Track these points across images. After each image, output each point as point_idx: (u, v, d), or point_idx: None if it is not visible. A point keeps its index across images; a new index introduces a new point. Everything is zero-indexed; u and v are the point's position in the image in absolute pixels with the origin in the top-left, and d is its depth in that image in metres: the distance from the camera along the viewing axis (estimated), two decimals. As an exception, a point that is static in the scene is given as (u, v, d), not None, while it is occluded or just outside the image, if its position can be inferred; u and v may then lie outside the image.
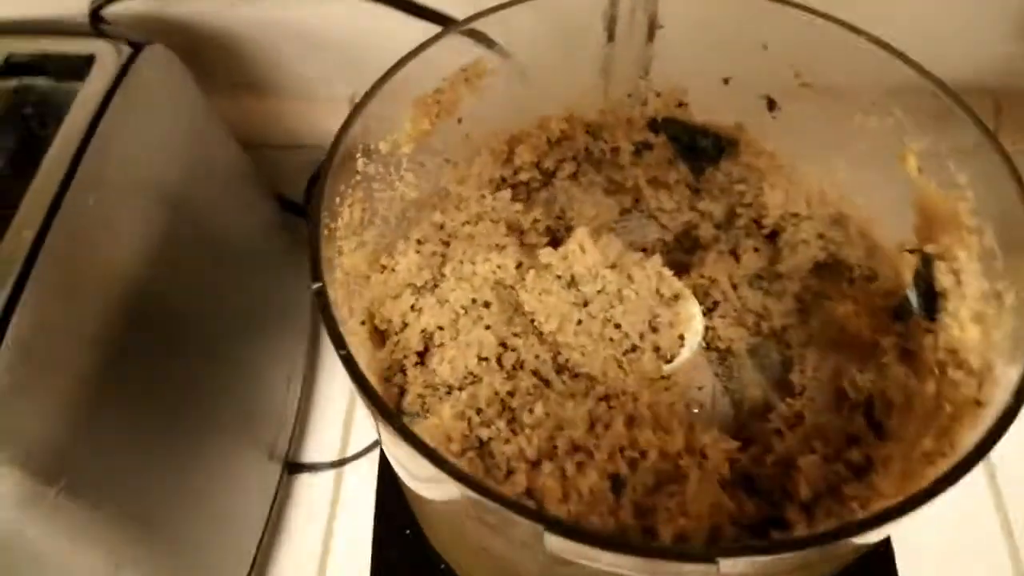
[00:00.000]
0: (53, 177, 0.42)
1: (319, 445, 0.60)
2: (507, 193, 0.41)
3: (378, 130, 0.36)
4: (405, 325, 0.36)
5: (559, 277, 0.35)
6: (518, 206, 0.41)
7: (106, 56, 0.48)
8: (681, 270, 0.48)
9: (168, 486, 0.46)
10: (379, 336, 0.37)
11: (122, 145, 0.46)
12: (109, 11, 0.50)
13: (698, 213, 0.47)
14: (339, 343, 0.27)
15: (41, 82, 0.49)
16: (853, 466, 0.34)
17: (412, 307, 0.36)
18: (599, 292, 0.34)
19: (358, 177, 0.36)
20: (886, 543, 0.50)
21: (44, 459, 0.36)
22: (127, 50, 0.49)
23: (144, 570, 0.44)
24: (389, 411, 0.26)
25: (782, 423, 0.39)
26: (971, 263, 0.33)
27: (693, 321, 0.38)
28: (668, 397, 0.36)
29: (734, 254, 0.45)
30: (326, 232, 0.32)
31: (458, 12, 0.44)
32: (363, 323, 0.36)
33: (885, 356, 0.36)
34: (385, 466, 0.52)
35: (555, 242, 0.41)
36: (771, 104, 0.42)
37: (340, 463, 0.59)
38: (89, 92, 0.46)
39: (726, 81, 0.43)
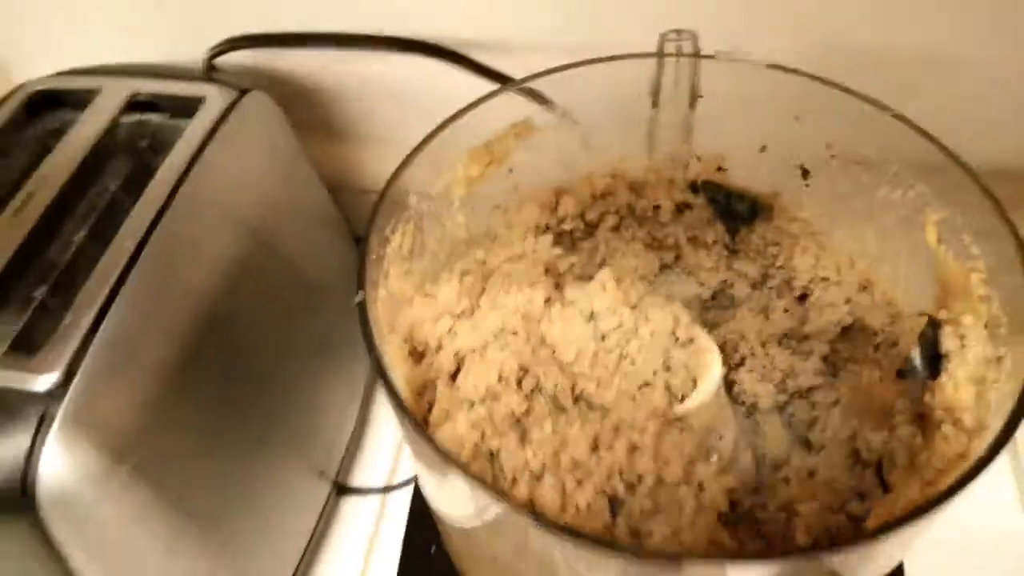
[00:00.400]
0: (154, 200, 0.48)
1: (369, 471, 0.63)
2: (549, 238, 0.44)
3: (432, 173, 0.41)
4: (440, 347, 0.39)
5: (581, 312, 0.38)
6: (558, 250, 0.44)
7: (214, 98, 0.55)
8: (713, 326, 0.51)
9: (223, 487, 0.49)
10: (417, 356, 0.41)
11: (217, 177, 0.52)
12: (222, 60, 0.57)
13: (734, 272, 0.50)
14: (371, 345, 0.31)
15: (157, 118, 0.56)
16: (853, 517, 0.35)
17: (449, 330, 0.40)
18: (616, 328, 0.37)
19: (410, 212, 0.40)
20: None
21: (118, 440, 0.41)
22: (233, 94, 0.56)
23: (194, 560, 0.48)
24: (405, 407, 0.29)
25: (794, 475, 0.40)
26: (977, 328, 0.34)
27: (711, 369, 0.40)
28: (680, 438, 0.38)
29: (764, 313, 0.47)
30: (374, 256, 0.36)
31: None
32: (405, 341, 0.40)
33: (897, 417, 0.37)
34: (418, 493, 0.55)
35: (588, 286, 0.44)
36: (804, 173, 0.45)
37: (386, 489, 0.62)
38: (195, 129, 0.53)
39: (763, 149, 0.45)
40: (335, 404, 0.63)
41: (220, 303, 0.50)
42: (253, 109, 0.57)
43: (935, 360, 0.35)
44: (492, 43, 0.54)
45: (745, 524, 0.37)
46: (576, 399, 0.38)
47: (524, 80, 0.42)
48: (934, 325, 0.36)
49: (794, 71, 0.41)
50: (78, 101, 0.56)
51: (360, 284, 0.33)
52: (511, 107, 0.44)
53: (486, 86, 0.48)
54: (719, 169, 0.47)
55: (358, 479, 0.63)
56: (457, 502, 0.32)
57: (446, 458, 0.27)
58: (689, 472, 0.34)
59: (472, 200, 0.45)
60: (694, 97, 0.45)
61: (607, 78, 0.45)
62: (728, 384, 0.48)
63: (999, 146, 0.45)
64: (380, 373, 0.30)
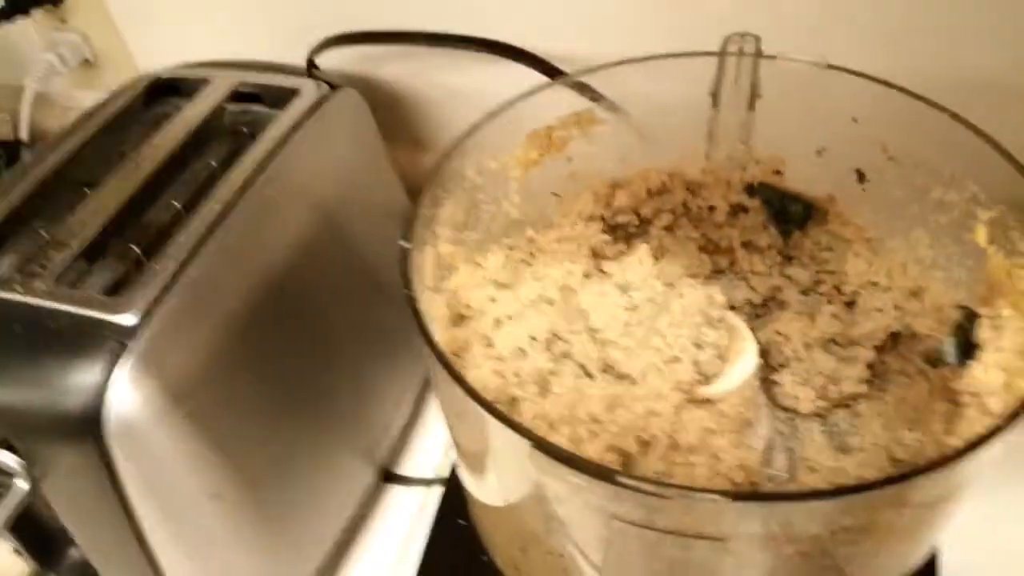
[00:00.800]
0: (241, 175, 0.53)
1: (416, 463, 0.65)
2: (598, 224, 0.46)
3: (490, 149, 0.43)
4: (482, 312, 0.41)
5: (616, 283, 0.39)
6: (606, 237, 0.45)
7: (308, 91, 0.60)
8: (758, 327, 0.51)
9: (272, 450, 0.52)
10: (459, 320, 0.42)
11: (301, 161, 0.57)
12: (325, 63, 0.62)
13: (786, 278, 0.50)
14: (407, 285, 0.33)
15: (259, 108, 0.61)
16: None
17: (491, 299, 0.41)
18: (647, 300, 0.38)
19: (466, 184, 0.42)
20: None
21: (180, 383, 0.44)
22: (325, 89, 0.61)
23: (236, 512, 0.50)
24: (431, 339, 0.31)
25: (825, 471, 0.39)
26: (1015, 320, 0.33)
27: (745, 356, 0.41)
28: (707, 420, 0.38)
29: (811, 315, 0.47)
30: (427, 213, 0.38)
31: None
32: (448, 306, 0.42)
33: (933, 415, 0.37)
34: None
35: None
36: (860, 176, 0.45)
37: (430, 482, 0.63)
38: (287, 117, 0.58)
39: (820, 152, 0.46)
40: (391, 394, 0.65)
41: (293, 276, 0.54)
42: (343, 104, 0.62)
43: (968, 349, 0.35)
44: (575, 56, 0.56)
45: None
46: (605, 368, 0.39)
47: (581, 72, 0.44)
48: (970, 316, 0.35)
49: (852, 72, 0.42)
50: (190, 89, 0.62)
51: (407, 234, 0.35)
52: (567, 100, 0.46)
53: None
54: (776, 172, 0.48)
55: (405, 469, 0.64)
56: (477, 441, 0.33)
57: (464, 387, 0.28)
58: (705, 440, 0.34)
59: (529, 183, 0.47)
60: (754, 98, 0.46)
61: (669, 76, 0.46)
62: (768, 384, 0.47)
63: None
64: (413, 310, 0.32)
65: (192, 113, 0.59)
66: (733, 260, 0.52)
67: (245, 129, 0.61)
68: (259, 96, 0.63)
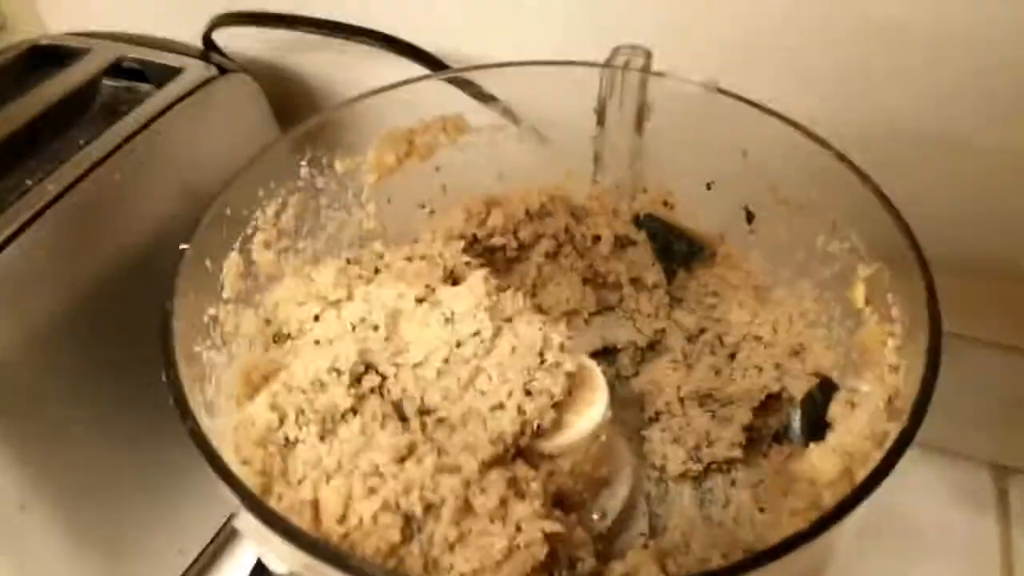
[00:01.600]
0: (93, 154, 0.48)
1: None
2: (459, 244, 0.41)
3: (333, 148, 0.38)
4: (302, 332, 0.36)
5: (443, 313, 0.34)
6: (466, 258, 0.41)
7: (192, 71, 0.55)
8: (633, 374, 0.46)
9: (94, 468, 0.46)
10: (283, 338, 0.38)
11: (172, 145, 0.51)
12: (239, 44, 0.57)
13: (673, 322, 0.45)
14: (170, 293, 0.28)
15: (145, 87, 0.56)
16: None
17: (316, 317, 0.37)
18: (473, 335, 0.33)
19: (300, 183, 0.38)
20: None
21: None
22: (214, 71, 0.56)
23: (43, 526, 0.45)
24: (173, 359, 0.26)
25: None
26: (873, 399, 0.29)
27: (594, 406, 0.36)
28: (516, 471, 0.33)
29: (688, 366, 0.42)
30: (226, 212, 0.33)
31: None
32: (268, 322, 0.37)
33: (784, 501, 0.32)
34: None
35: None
36: (749, 216, 0.40)
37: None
38: (160, 97, 0.53)
39: (709, 186, 0.41)
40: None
41: (149, 267, 0.48)
42: (232, 88, 0.56)
43: (816, 427, 0.30)
44: (472, 57, 0.52)
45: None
46: (423, 411, 0.34)
47: (458, 70, 0.40)
48: (827, 387, 0.30)
49: (740, 98, 0.37)
50: (70, 59, 0.57)
51: (195, 232, 0.30)
52: (446, 99, 0.41)
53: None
54: (666, 204, 0.43)
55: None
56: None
57: (186, 421, 0.23)
58: (507, 506, 0.29)
59: (389, 192, 0.42)
60: (642, 119, 0.41)
61: (553, 88, 0.42)
62: (638, 440, 0.43)
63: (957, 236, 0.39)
64: (162, 322, 0.27)
65: (60, 85, 0.54)
66: (622, 297, 0.47)
67: (125, 108, 0.56)
68: (144, 73, 0.58)
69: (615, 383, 0.47)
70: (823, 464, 0.26)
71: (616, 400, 0.46)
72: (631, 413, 0.45)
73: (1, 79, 0.56)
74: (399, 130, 0.40)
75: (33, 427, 0.43)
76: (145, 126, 0.51)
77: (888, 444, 0.25)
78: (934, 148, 0.41)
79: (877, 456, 0.26)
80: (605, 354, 0.47)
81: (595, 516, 0.38)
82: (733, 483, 0.41)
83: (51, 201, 0.45)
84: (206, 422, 0.28)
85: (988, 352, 0.47)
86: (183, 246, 0.31)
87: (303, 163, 0.38)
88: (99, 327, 0.46)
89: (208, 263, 0.33)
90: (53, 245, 0.44)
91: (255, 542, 0.22)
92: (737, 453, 0.39)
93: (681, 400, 0.41)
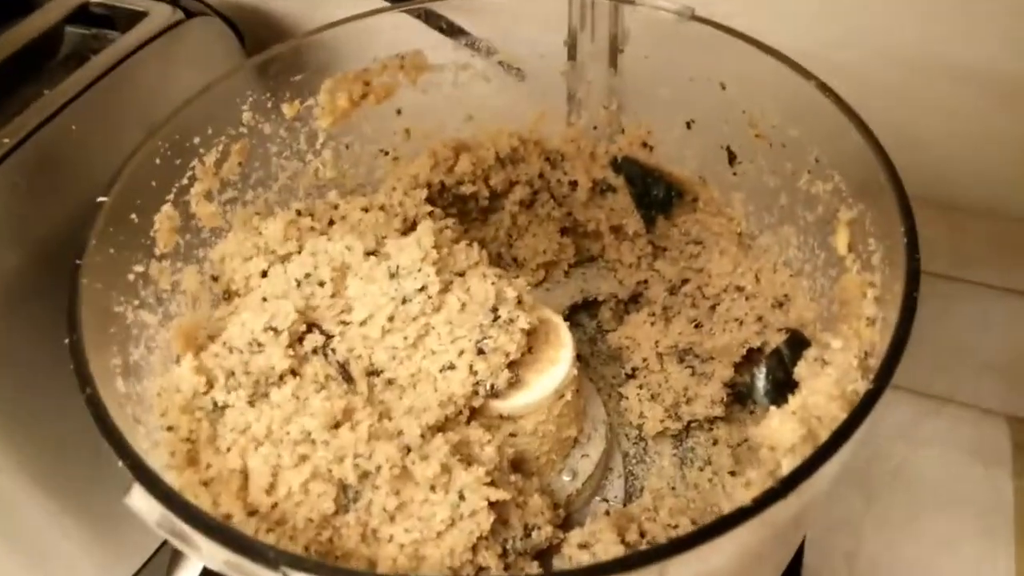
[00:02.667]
0: (54, 102, 0.46)
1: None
2: (422, 192, 0.38)
3: (279, 91, 0.36)
4: (249, 289, 0.34)
5: (388, 268, 0.32)
6: (429, 208, 0.38)
7: (157, 15, 0.52)
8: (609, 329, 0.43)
9: (62, 427, 0.45)
10: (231, 295, 0.36)
11: (135, 90, 0.49)
12: None
13: (655, 272, 0.42)
14: (79, 251, 0.26)
15: (112, 34, 0.54)
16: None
17: (263, 273, 0.34)
18: (419, 290, 0.31)
19: (243, 129, 0.35)
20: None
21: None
22: (180, 14, 0.53)
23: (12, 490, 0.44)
24: (76, 320, 0.24)
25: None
26: (846, 355, 0.26)
27: (555, 366, 0.33)
28: (468, 433, 0.31)
29: (667, 320, 0.39)
30: (157, 161, 0.31)
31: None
32: (215, 278, 0.35)
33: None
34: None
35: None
36: (731, 157, 0.37)
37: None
38: (123, 43, 0.50)
39: (688, 125, 0.38)
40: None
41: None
42: (199, 32, 0.54)
43: (782, 386, 0.27)
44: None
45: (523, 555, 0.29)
46: (371, 372, 0.32)
47: (424, 1, 0.37)
48: (795, 344, 0.28)
49: (717, 25, 0.34)
50: (36, 4, 0.55)
51: (110, 184, 0.28)
52: (405, 35, 0.38)
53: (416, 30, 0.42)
54: (645, 146, 0.40)
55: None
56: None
57: (83, 384, 0.21)
58: (448, 472, 0.27)
59: (346, 136, 0.39)
60: (615, 52, 0.38)
61: (520, 20, 0.39)
62: (618, 397, 0.40)
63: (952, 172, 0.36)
64: (71, 285, 0.25)
65: (23, 32, 0.52)
66: (603, 247, 0.44)
67: (92, 55, 0.54)
68: (112, 19, 0.55)
69: (596, 337, 0.45)
70: (783, 428, 0.24)
71: (597, 355, 0.44)
72: (612, 369, 0.43)
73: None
74: (352, 70, 0.37)
75: (4, 390, 0.42)
76: (108, 72, 0.49)
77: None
78: (918, 74, 0.38)
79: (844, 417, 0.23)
80: (586, 307, 0.45)
81: (566, 478, 0.36)
82: (715, 442, 0.38)
83: (8, 151, 0.43)
84: (120, 388, 0.26)
85: (998, 298, 0.43)
86: (100, 199, 0.29)
87: (245, 107, 0.35)
88: (65, 283, 0.44)
89: (134, 217, 0.30)
90: (9, 197, 0.42)
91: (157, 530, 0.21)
92: (718, 411, 0.37)
93: (659, 356, 0.39)
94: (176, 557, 0.49)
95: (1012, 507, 0.51)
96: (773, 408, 0.25)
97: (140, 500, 0.21)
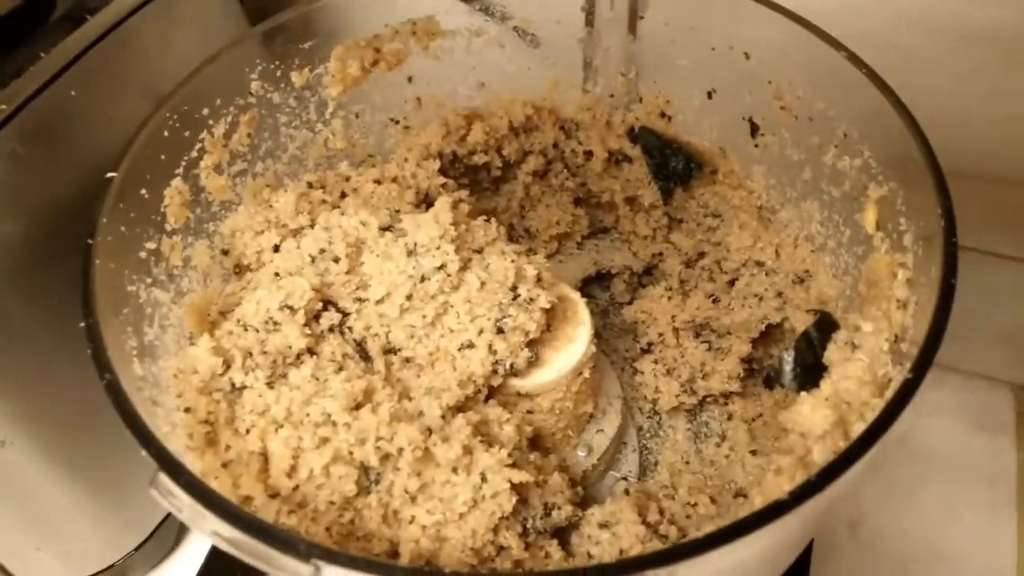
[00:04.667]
0: (51, 67, 0.44)
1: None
2: (435, 164, 0.37)
3: (288, 59, 0.35)
4: (261, 264, 0.34)
5: (405, 245, 0.31)
6: (443, 179, 0.37)
7: (158, -26, 0.51)
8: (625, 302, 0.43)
9: (74, 399, 0.45)
10: (242, 271, 0.35)
11: (132, 54, 0.48)
12: None
13: (671, 245, 0.41)
14: (91, 230, 0.25)
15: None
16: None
17: (275, 247, 0.34)
18: (438, 268, 0.30)
19: (252, 99, 0.34)
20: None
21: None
22: (181, -27, 0.51)
23: (25, 463, 0.43)
24: (91, 296, 0.23)
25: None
26: (877, 339, 0.25)
27: (573, 344, 0.33)
28: (502, 416, 0.31)
29: (684, 294, 0.39)
30: (165, 134, 0.30)
31: None
32: (225, 252, 0.34)
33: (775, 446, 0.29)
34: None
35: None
36: (753, 128, 0.36)
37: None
38: (122, 2, 0.49)
39: (710, 95, 0.37)
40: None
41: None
42: (200, -7, 0.52)
43: (811, 370, 0.27)
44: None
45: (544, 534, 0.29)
46: (388, 350, 0.31)
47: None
48: (824, 327, 0.27)
49: (744, -8, 0.33)
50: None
51: (121, 159, 0.27)
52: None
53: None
54: (663, 115, 0.39)
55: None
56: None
57: (102, 373, 0.21)
58: (471, 453, 0.27)
59: (356, 104, 0.38)
60: (634, 18, 0.37)
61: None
62: (633, 372, 0.40)
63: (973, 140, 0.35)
64: (85, 260, 0.24)
65: (14, -9, 0.50)
66: (618, 218, 0.43)
67: (88, 16, 0.52)
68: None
69: (609, 310, 0.44)
70: (814, 415, 0.24)
71: (610, 329, 0.43)
72: (625, 342, 0.42)
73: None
74: (363, 36, 0.36)
75: (9, 360, 0.41)
76: (107, 34, 0.47)
77: (891, 393, 0.22)
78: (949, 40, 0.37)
79: (876, 405, 0.23)
80: (599, 279, 0.44)
81: (581, 453, 0.36)
82: (729, 416, 0.38)
83: (7, 118, 0.42)
84: (138, 371, 0.26)
85: (1006, 267, 0.43)
86: (109, 175, 0.28)
87: (254, 76, 0.34)
88: (69, 251, 0.43)
89: (144, 192, 0.29)
90: (8, 164, 0.41)
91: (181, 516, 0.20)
92: (735, 386, 0.37)
93: (676, 330, 0.38)
94: (184, 528, 0.49)
95: (1015, 476, 0.51)
96: (804, 394, 0.25)
97: (166, 490, 0.20)
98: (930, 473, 0.51)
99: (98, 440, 0.47)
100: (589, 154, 0.41)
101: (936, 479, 0.50)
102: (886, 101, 0.28)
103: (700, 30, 0.35)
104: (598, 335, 0.42)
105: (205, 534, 0.20)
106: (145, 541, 0.49)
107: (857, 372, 0.24)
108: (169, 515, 0.48)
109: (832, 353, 0.26)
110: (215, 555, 0.42)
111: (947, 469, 0.51)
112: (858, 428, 0.23)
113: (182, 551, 0.48)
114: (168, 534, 0.50)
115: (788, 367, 0.30)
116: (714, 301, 0.38)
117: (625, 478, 0.35)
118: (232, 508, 0.20)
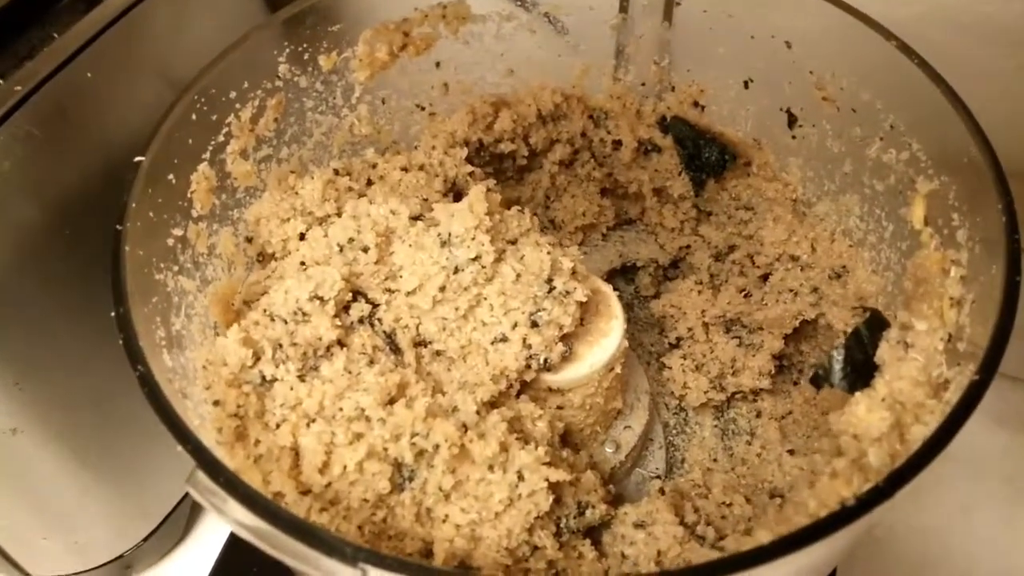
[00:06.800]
0: (66, 49, 0.43)
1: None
2: (462, 151, 0.37)
3: (317, 42, 0.34)
4: (287, 253, 0.33)
5: (439, 235, 0.30)
6: (470, 168, 0.36)
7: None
8: (653, 295, 0.42)
9: (85, 385, 0.44)
10: (267, 258, 0.34)
11: (148, 35, 0.46)
12: None
13: (699, 238, 0.41)
14: (121, 216, 0.24)
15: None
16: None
17: (301, 235, 0.33)
18: (472, 260, 0.29)
19: (279, 83, 0.33)
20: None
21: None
22: (194, -44, 0.50)
23: (37, 449, 0.43)
24: (122, 287, 0.23)
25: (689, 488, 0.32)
26: (931, 338, 0.25)
27: (606, 338, 0.32)
28: (521, 409, 0.30)
29: (715, 289, 0.38)
30: (193, 117, 0.29)
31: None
32: (249, 240, 0.34)
33: (819, 445, 0.28)
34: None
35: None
36: (791, 119, 0.35)
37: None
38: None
39: (746, 84, 0.36)
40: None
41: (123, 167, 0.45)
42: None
43: (862, 370, 0.26)
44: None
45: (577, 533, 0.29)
46: (418, 342, 0.31)
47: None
48: (875, 325, 0.26)
49: (788, -21, 0.32)
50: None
51: (149, 144, 0.26)
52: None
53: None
54: (696, 105, 0.38)
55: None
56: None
57: (132, 358, 0.20)
58: (506, 450, 0.26)
59: (382, 90, 0.37)
60: (670, 5, 0.36)
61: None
62: (660, 367, 0.39)
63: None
64: (114, 247, 0.23)
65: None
66: (644, 209, 0.42)
67: (100, -3, 0.51)
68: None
69: (634, 303, 0.43)
70: (871, 417, 0.23)
71: (634, 322, 0.43)
72: (650, 336, 0.42)
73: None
74: (393, 20, 0.35)
75: (22, 346, 0.40)
76: (123, 15, 0.46)
77: (949, 395, 0.22)
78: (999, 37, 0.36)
79: (932, 407, 0.22)
80: (624, 272, 0.44)
81: (608, 450, 0.35)
82: (758, 414, 0.38)
83: (22, 99, 0.41)
84: (167, 362, 0.25)
85: None
86: (138, 159, 0.27)
87: (281, 59, 0.33)
88: (85, 236, 0.42)
89: (171, 177, 0.29)
90: (25, 147, 0.40)
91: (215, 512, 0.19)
92: (765, 383, 0.36)
93: (705, 325, 0.37)
94: (194, 515, 0.49)
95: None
96: (858, 394, 0.24)
97: (204, 487, 0.19)
98: (948, 471, 0.50)
99: (109, 429, 0.46)
100: (618, 143, 0.40)
101: (954, 477, 0.50)
102: (939, 92, 0.27)
103: (739, 18, 0.34)
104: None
105: (242, 533, 0.20)
106: (154, 532, 0.49)
107: (912, 372, 0.24)
108: (178, 506, 0.47)
109: (884, 352, 0.26)
110: (232, 548, 0.42)
111: (965, 467, 0.51)
112: (916, 431, 0.22)
113: (190, 542, 0.48)
114: (177, 525, 0.49)
115: (838, 366, 0.29)
116: (746, 296, 0.37)
117: (659, 476, 0.35)
118: (276, 509, 0.19)
